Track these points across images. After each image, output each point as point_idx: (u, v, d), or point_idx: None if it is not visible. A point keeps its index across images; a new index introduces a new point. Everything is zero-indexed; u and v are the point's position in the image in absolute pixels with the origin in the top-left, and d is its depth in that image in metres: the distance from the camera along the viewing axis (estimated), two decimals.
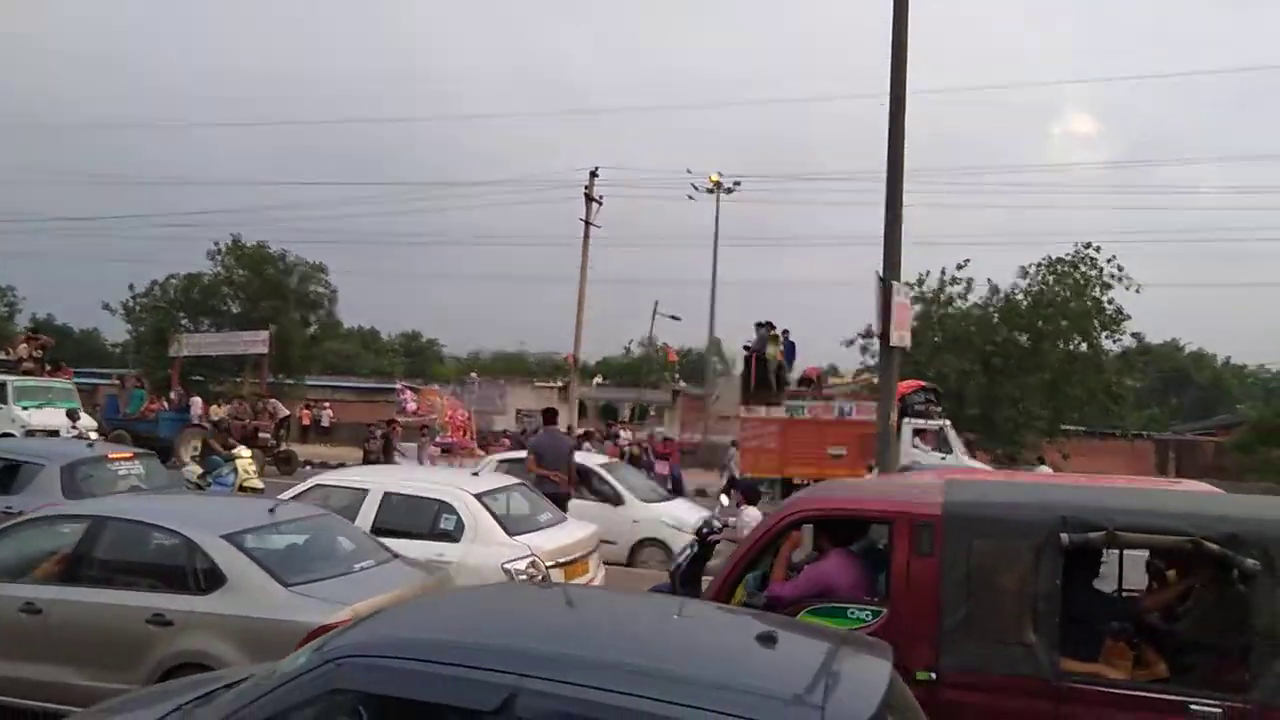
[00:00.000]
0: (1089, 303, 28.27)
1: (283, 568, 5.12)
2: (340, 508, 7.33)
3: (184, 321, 32.91)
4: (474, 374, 41.64)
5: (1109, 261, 28.09)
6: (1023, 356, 29.06)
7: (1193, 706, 3.58)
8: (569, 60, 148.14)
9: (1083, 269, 28.25)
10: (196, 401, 22.30)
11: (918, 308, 31.49)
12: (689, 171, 30.46)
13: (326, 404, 27.46)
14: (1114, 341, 30.15)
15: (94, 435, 16.14)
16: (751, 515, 10.44)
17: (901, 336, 9.06)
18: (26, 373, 19.74)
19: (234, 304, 33.99)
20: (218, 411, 21.57)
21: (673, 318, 35.39)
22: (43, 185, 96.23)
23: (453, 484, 7.72)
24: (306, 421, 27.49)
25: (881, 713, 2.41)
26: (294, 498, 7.54)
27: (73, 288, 70.75)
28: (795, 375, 21.44)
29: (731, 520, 9.01)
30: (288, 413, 21.29)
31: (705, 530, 6.02)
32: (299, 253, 34.93)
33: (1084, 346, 29.29)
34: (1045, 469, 15.79)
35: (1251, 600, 3.65)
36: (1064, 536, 3.82)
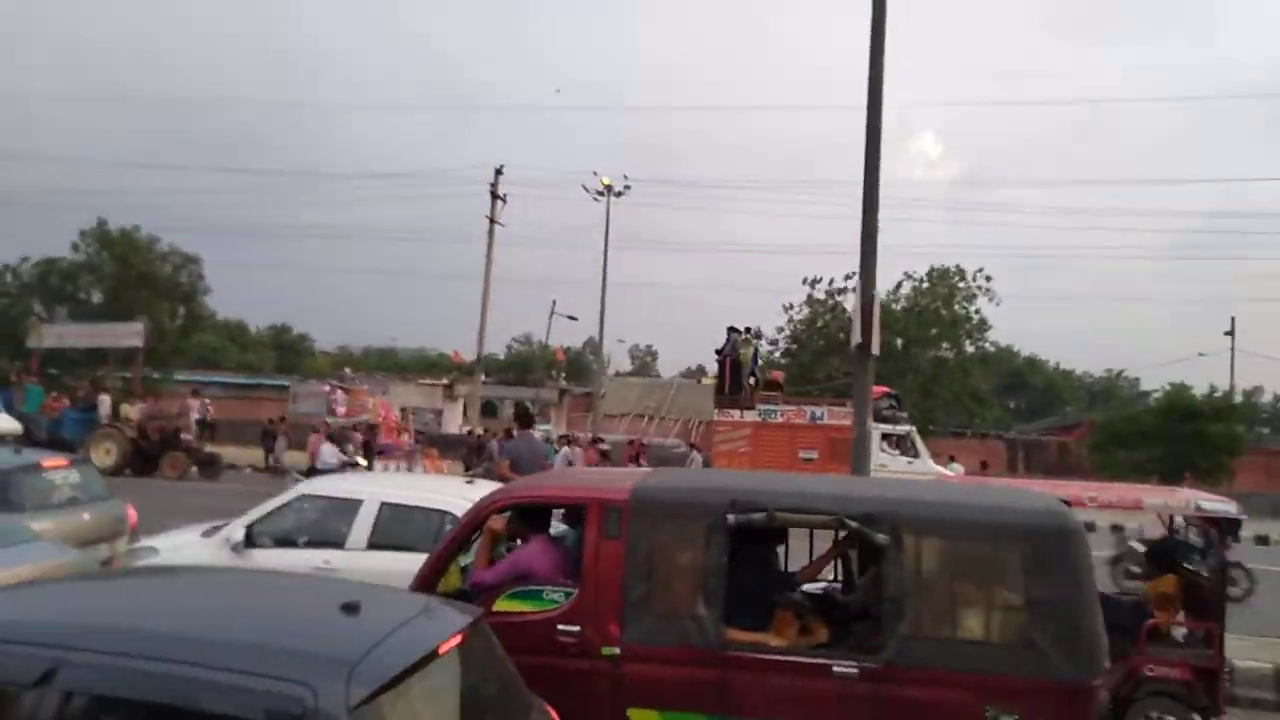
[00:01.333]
0: (960, 311, 30.79)
1: None
2: (332, 519, 7.04)
3: (38, 310, 30.11)
4: (348, 369, 40.26)
5: (979, 272, 30.75)
6: (897, 360, 31.36)
7: (835, 669, 3.95)
8: (455, 56, 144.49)
9: (954, 280, 30.80)
10: (105, 400, 20.00)
11: (805, 311, 33.38)
12: (595, 174, 31.17)
13: (207, 400, 25.93)
14: (974, 348, 33.10)
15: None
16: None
17: (876, 345, 9.80)
18: None
19: (95, 292, 31.38)
20: (129, 410, 19.52)
21: (570, 318, 35.70)
22: None
23: (453, 493, 7.24)
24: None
25: (415, 667, 2.61)
26: (277, 509, 7.10)
27: None
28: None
29: None
30: (200, 415, 19.77)
31: None
32: (164, 239, 32.71)
33: (950, 353, 31.95)
34: (958, 467, 17.06)
35: (883, 571, 4.03)
36: (730, 517, 4.17)
